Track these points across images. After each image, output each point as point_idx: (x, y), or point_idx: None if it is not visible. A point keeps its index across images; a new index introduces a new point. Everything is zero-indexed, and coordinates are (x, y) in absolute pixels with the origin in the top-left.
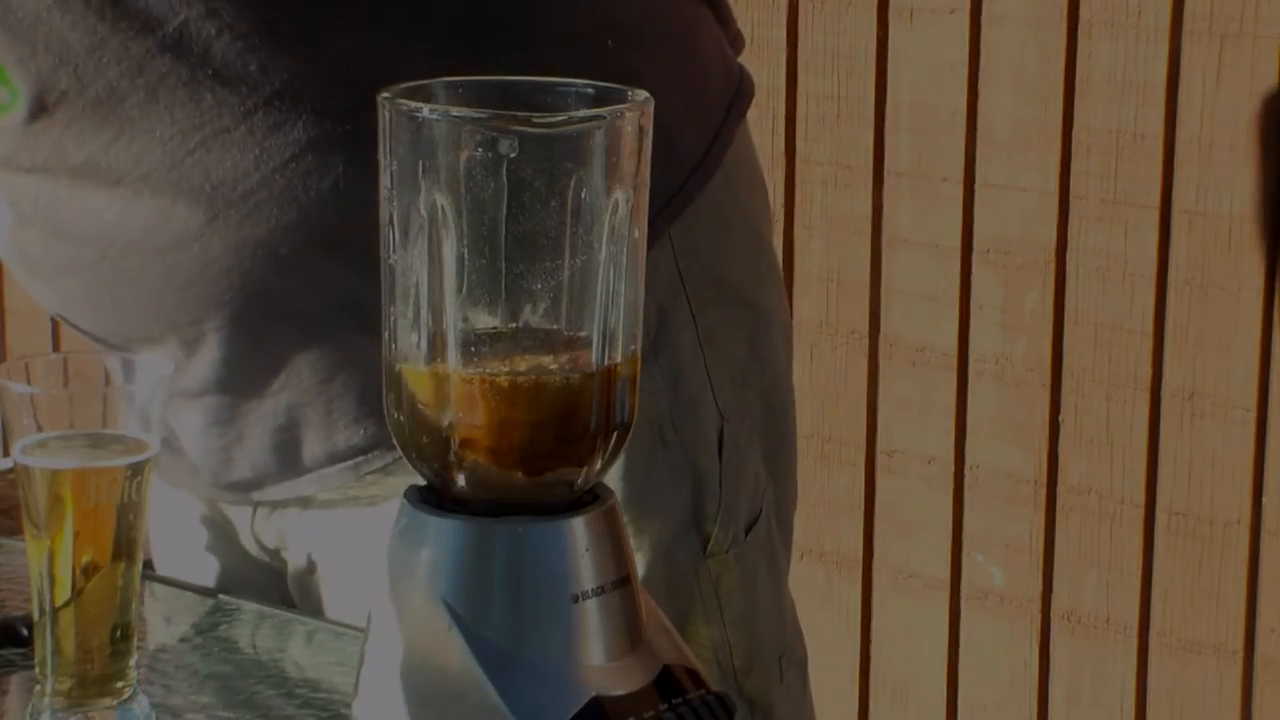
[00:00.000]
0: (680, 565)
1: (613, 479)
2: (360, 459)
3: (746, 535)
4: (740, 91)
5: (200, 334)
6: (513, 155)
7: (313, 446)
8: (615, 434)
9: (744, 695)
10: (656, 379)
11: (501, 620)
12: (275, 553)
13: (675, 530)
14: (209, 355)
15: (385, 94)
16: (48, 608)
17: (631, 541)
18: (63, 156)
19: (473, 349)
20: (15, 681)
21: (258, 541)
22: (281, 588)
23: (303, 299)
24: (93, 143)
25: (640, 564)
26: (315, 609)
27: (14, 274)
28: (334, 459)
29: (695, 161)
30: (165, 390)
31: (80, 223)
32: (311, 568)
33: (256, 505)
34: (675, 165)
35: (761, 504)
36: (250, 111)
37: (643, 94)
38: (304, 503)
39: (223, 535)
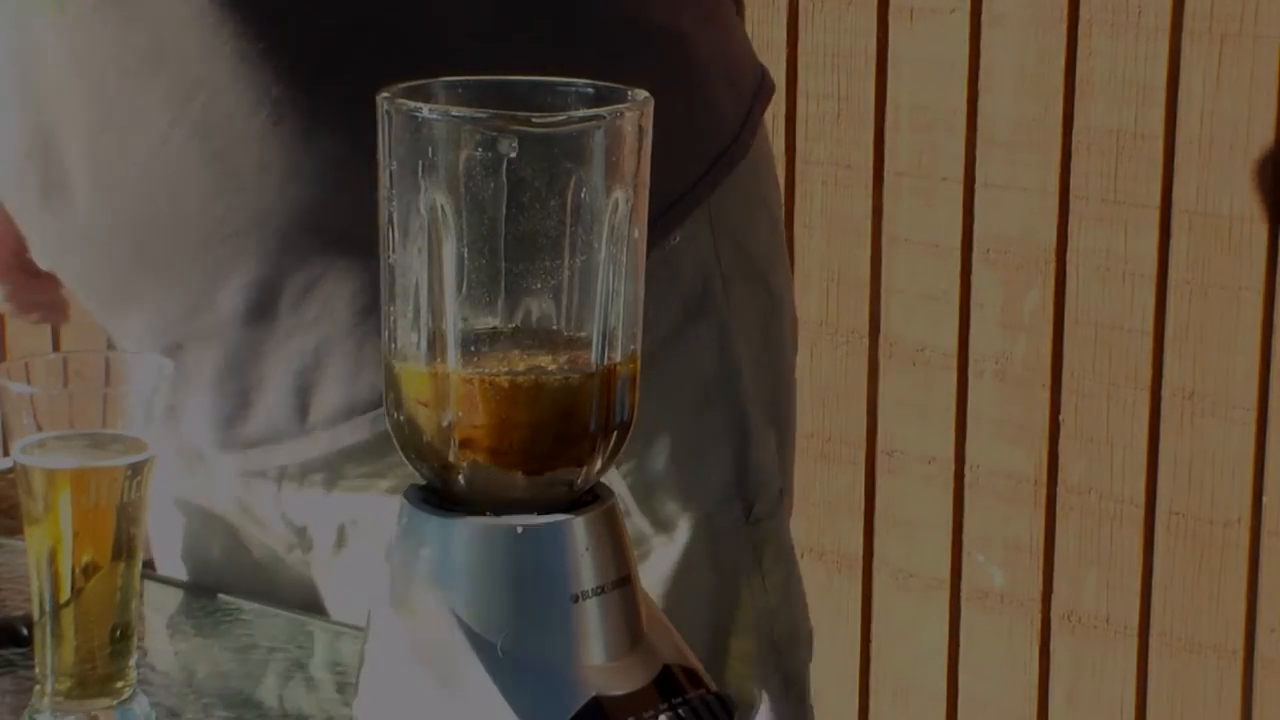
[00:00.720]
0: (725, 531)
1: (661, 443)
2: (377, 413)
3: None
4: (764, 82)
5: (241, 249)
6: (512, 155)
7: (332, 395)
8: (615, 434)
9: (781, 670)
10: (705, 339)
11: (501, 620)
12: (302, 530)
13: (720, 495)
14: (244, 279)
15: (385, 94)
16: (48, 608)
17: (680, 506)
18: (128, 46)
19: (473, 349)
20: (15, 681)
21: (285, 520)
22: (281, 591)
23: (356, 220)
24: (163, 30)
25: (685, 530)
26: (339, 589)
27: (19, 214)
28: (353, 410)
29: (733, 134)
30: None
31: (135, 121)
32: (341, 541)
33: (281, 482)
34: (715, 134)
35: (781, 485)
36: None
37: (642, 94)
38: (328, 483)
39: (228, 534)
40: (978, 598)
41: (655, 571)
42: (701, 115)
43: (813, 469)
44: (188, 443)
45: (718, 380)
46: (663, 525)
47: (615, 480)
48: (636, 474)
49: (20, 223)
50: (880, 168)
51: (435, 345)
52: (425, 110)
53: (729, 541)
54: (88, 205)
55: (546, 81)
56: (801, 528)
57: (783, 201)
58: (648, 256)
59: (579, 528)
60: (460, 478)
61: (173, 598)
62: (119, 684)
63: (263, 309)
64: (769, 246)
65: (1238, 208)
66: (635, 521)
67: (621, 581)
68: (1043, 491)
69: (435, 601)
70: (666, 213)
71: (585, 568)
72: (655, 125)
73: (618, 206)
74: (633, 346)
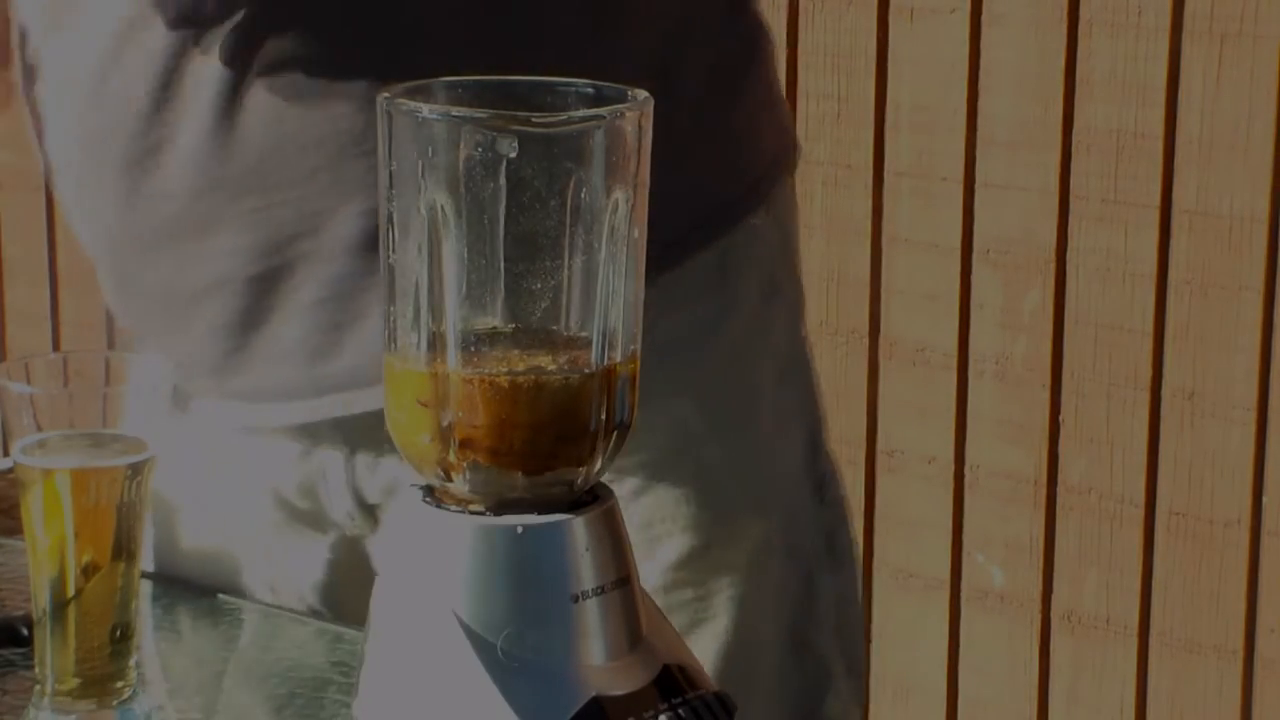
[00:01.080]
0: (798, 513)
1: (751, 417)
2: None
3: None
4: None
5: (372, 167)
6: (512, 155)
7: None
8: (615, 434)
9: (845, 655)
10: (779, 318)
11: (501, 620)
12: (372, 510)
13: (797, 472)
14: (371, 202)
15: (385, 94)
16: (48, 608)
17: (765, 480)
18: None
19: (473, 349)
20: (15, 681)
21: (355, 497)
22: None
23: None
24: None
25: (767, 505)
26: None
27: (109, 120)
28: None
29: (789, 135)
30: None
31: (319, 27)
32: None
33: (353, 457)
34: (782, 121)
35: None
36: None
37: (642, 94)
38: None
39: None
40: (978, 598)
41: (733, 553)
42: (778, 100)
43: None
44: (261, 388)
45: (790, 359)
46: (751, 499)
47: (712, 452)
48: (734, 443)
49: (106, 130)
50: (880, 168)
51: (435, 345)
52: (425, 110)
53: (802, 524)
54: (235, 98)
55: (546, 81)
56: None
57: None
58: (738, 226)
59: (579, 528)
60: (460, 478)
61: (173, 598)
62: (119, 684)
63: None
64: (799, 250)
65: (1238, 208)
66: (728, 496)
67: (621, 581)
68: (1043, 491)
69: (435, 601)
70: (755, 188)
71: (585, 568)
72: (748, 97)
73: (618, 206)
74: (633, 347)
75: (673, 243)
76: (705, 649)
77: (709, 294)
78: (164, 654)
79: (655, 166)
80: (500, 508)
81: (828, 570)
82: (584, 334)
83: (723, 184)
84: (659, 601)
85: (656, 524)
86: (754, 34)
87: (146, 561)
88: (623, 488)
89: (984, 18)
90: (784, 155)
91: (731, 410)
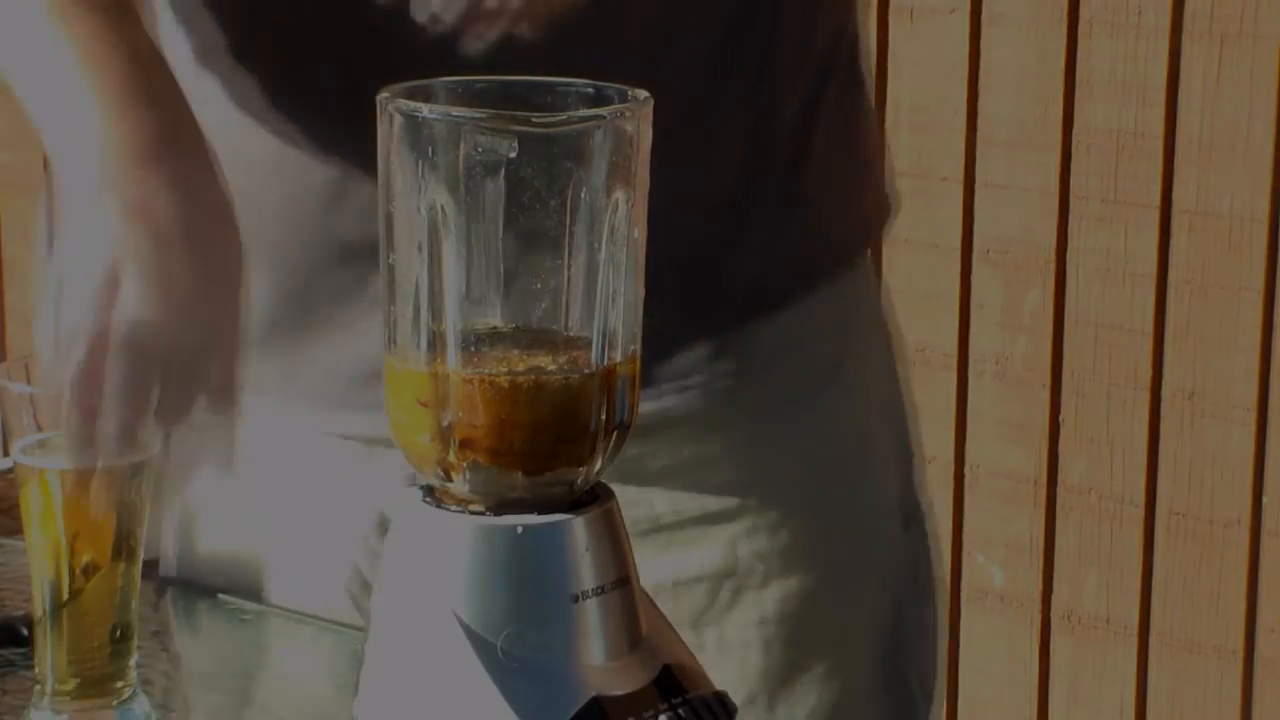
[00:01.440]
0: (889, 545)
1: (847, 456)
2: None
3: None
4: None
5: None
6: (513, 155)
7: None
8: (615, 434)
9: (924, 681)
10: (883, 353)
11: (501, 620)
12: None
13: (889, 505)
14: None
15: (385, 94)
16: (48, 608)
17: (861, 512)
18: None
19: (473, 349)
20: (15, 681)
21: None
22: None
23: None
24: None
25: (863, 548)
26: None
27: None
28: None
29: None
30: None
31: None
32: None
33: None
34: (881, 167)
35: None
36: None
37: (643, 94)
38: None
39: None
40: (978, 598)
41: (834, 589)
42: (879, 138)
43: None
44: None
45: (889, 393)
46: (854, 537)
47: (823, 492)
48: (842, 482)
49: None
50: None
51: (435, 345)
52: (425, 110)
53: (894, 557)
54: None
55: (546, 81)
56: None
57: None
58: (854, 263)
59: (579, 528)
60: (460, 478)
61: (173, 598)
62: (119, 684)
63: None
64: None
65: (1238, 208)
66: (836, 534)
67: (621, 581)
68: (1043, 491)
69: (435, 601)
70: (870, 226)
71: (585, 568)
72: (862, 125)
73: (618, 206)
74: (633, 347)
75: (820, 263)
76: (808, 682)
77: (829, 334)
78: (164, 654)
79: (804, 188)
80: (500, 508)
81: (912, 602)
82: (584, 334)
83: (853, 213)
84: (758, 636)
85: (767, 560)
86: (859, 66)
87: (167, 567)
88: (737, 526)
89: (984, 18)
90: (887, 198)
91: (843, 449)
